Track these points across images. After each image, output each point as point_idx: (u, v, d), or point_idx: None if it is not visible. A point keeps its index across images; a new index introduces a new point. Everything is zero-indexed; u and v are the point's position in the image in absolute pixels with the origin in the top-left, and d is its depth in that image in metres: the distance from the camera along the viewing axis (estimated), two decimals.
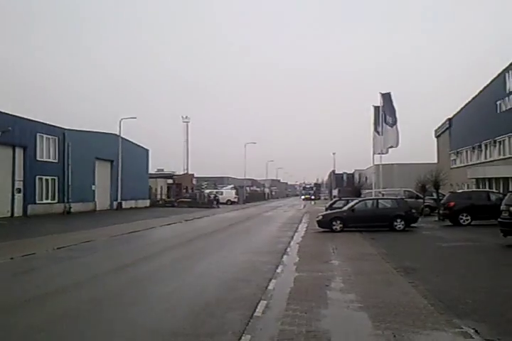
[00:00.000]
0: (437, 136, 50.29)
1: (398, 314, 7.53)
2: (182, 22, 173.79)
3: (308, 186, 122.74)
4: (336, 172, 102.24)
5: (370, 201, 24.38)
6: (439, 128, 49.30)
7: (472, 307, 7.92)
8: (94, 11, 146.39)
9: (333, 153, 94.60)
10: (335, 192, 76.06)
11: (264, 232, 23.64)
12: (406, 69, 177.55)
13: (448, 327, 6.83)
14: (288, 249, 16.17)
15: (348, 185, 71.77)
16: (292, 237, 20.18)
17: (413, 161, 62.17)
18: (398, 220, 22.19)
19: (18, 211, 32.97)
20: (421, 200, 31.86)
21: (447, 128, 46.22)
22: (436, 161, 51.13)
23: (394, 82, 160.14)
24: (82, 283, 10.65)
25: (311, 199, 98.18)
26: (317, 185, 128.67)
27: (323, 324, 7.14)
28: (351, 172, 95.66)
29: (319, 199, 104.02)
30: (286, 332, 6.69)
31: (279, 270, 11.97)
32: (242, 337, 6.41)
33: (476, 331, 6.55)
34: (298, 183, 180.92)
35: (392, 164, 65.91)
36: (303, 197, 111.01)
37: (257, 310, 7.89)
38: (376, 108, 32.27)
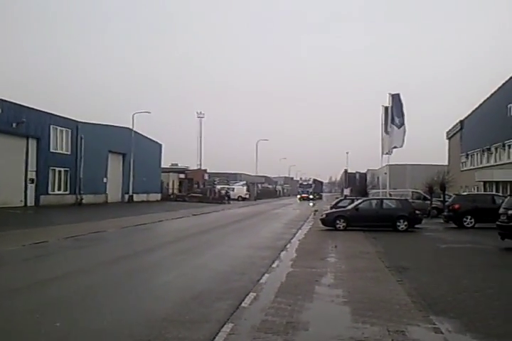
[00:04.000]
0: (449, 138, 50.20)
1: (378, 309, 7.84)
2: (200, 17, 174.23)
3: (305, 183, 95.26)
4: (349, 171, 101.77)
5: (374, 201, 24.64)
6: (450, 130, 49.21)
7: (452, 305, 8.21)
8: (109, 6, 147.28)
9: (347, 152, 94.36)
10: (346, 191, 76.02)
11: (269, 229, 24.00)
12: (423, 71, 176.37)
13: (422, 322, 7.14)
14: (288, 246, 16.53)
15: (360, 184, 71.73)
16: (295, 234, 20.53)
17: (427, 162, 61.98)
18: (401, 221, 22.40)
19: (30, 201, 33.74)
20: (428, 202, 31.98)
21: (459, 130, 46.12)
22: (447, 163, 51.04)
23: (409, 82, 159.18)
24: (84, 271, 11.20)
25: (309, 199, 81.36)
26: (317, 182, 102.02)
27: (304, 316, 7.49)
28: (364, 171, 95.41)
29: (320, 199, 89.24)
30: (268, 322, 7.05)
31: (274, 265, 12.33)
32: (225, 325, 6.77)
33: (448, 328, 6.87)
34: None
35: (405, 165, 65.90)
36: (298, 196, 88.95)
37: (244, 301, 8.26)
38: (386, 108, 32.37)
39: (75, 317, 7.21)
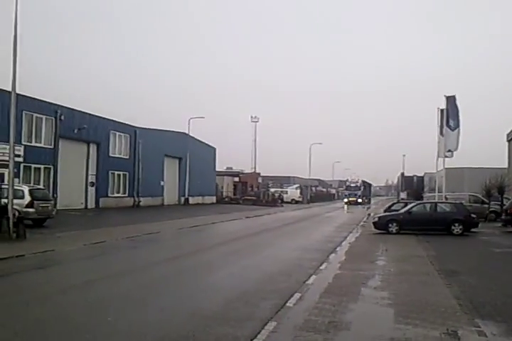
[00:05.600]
0: (509, 140, 48.43)
1: (423, 312, 7.83)
2: (247, 20, 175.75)
3: (353, 184, 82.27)
4: (406, 174, 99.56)
5: (428, 204, 24.21)
6: (511, 132, 47.47)
7: (499, 309, 8.08)
8: (155, 13, 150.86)
9: (403, 155, 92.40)
10: (403, 194, 74.48)
11: (320, 232, 23.99)
12: (478, 74, 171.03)
13: (467, 325, 7.09)
14: (338, 248, 16.55)
15: (417, 187, 70.15)
16: (346, 237, 20.48)
17: (487, 166, 59.77)
18: (456, 224, 21.90)
19: (91, 203, 35.11)
20: (486, 206, 31.10)
21: None
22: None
23: (467, 84, 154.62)
24: (137, 270, 11.73)
25: (357, 204, 72.25)
26: (366, 184, 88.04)
27: (347, 316, 7.58)
28: (422, 174, 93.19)
29: (368, 203, 79.69)
30: (311, 321, 7.20)
31: (322, 267, 12.42)
32: (268, 324, 6.96)
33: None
34: None
35: (463, 168, 63.92)
36: (345, 200, 76.86)
37: (289, 301, 8.44)
38: (441, 111, 31.74)
39: (125, 313, 7.62)
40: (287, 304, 8.21)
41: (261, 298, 8.72)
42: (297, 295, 8.88)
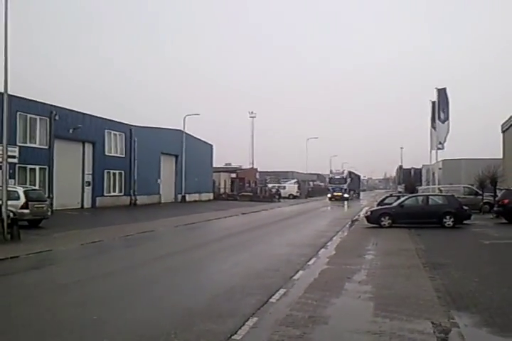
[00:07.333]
0: (503, 131, 48.61)
1: (402, 305, 8.06)
2: (249, 18, 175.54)
3: (337, 176, 67.86)
4: (405, 167, 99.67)
5: (420, 197, 24.46)
6: (505, 122, 47.64)
7: (476, 301, 8.30)
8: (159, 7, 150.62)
9: (401, 148, 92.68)
10: (400, 188, 74.57)
11: (313, 226, 24.24)
12: (475, 65, 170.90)
13: (442, 317, 7.31)
14: (328, 243, 16.78)
15: (414, 180, 70.14)
16: (338, 232, 20.71)
17: (484, 157, 59.83)
18: (447, 217, 22.12)
19: (87, 203, 35.29)
20: (480, 197, 31.31)
21: None
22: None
23: (462, 74, 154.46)
24: (131, 268, 12.08)
25: (344, 199, 61.42)
26: (353, 175, 75.67)
27: (327, 311, 7.81)
28: (420, 167, 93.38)
29: (358, 197, 73.12)
30: (292, 316, 7.41)
31: (310, 262, 12.66)
32: (250, 319, 7.19)
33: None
34: (365, 178, 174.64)
35: (460, 159, 64.08)
36: (328, 195, 65.88)
37: (273, 296, 8.67)
38: (433, 103, 32.01)
39: (111, 311, 7.85)
40: (271, 300, 8.43)
41: (246, 293, 8.95)
42: (282, 291, 9.10)
